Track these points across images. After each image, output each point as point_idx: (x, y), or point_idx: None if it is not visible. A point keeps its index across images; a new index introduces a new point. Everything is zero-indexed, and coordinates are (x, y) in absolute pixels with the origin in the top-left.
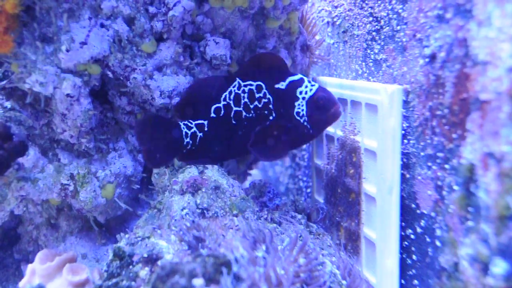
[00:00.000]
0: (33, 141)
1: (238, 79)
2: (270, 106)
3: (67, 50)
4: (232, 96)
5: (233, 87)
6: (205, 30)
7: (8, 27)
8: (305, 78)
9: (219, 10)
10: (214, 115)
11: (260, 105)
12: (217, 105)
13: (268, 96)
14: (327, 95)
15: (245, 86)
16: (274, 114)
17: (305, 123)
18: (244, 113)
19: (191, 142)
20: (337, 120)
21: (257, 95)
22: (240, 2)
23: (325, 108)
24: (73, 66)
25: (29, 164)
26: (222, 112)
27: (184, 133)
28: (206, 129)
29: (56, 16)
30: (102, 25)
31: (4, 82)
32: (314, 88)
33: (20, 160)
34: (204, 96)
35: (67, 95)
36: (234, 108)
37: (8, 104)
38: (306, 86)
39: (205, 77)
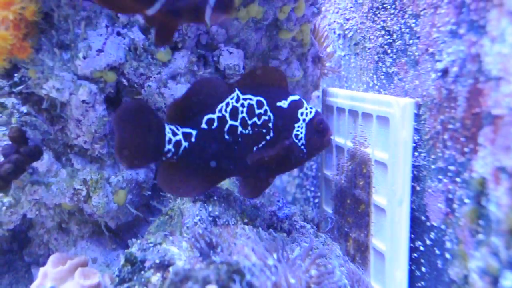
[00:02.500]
0: (47, 146)
1: (237, 90)
2: (270, 124)
3: (84, 57)
4: (229, 109)
5: (231, 98)
6: (219, 40)
7: (27, 33)
8: (303, 100)
9: (233, 20)
10: (205, 126)
11: (259, 123)
12: (211, 115)
13: (269, 113)
14: (325, 119)
15: (244, 99)
16: (272, 134)
17: (302, 147)
18: (240, 129)
19: (173, 150)
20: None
21: (257, 111)
22: (254, 13)
23: (323, 133)
24: (89, 73)
25: (43, 168)
26: (215, 124)
27: (167, 138)
28: (193, 139)
29: (73, 24)
30: (118, 33)
31: (21, 87)
32: (313, 111)
33: (34, 164)
34: (200, 100)
35: (83, 101)
36: (230, 122)
37: (24, 108)
38: (307, 108)
39: (208, 78)
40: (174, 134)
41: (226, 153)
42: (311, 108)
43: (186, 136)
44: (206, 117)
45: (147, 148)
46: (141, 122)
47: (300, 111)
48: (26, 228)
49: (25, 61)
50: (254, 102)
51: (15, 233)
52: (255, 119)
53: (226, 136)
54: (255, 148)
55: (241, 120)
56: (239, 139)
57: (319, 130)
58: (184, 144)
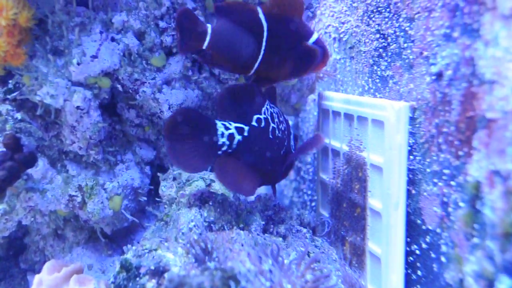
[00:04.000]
0: (42, 152)
1: (267, 100)
2: (286, 132)
3: (78, 63)
4: (269, 112)
5: (267, 104)
6: None
7: (21, 40)
8: None
9: None
10: (255, 124)
11: (283, 129)
12: (258, 115)
13: (284, 123)
14: None
15: (271, 107)
16: (286, 142)
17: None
18: (277, 132)
19: (227, 143)
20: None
21: (280, 118)
22: None
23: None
24: (83, 79)
25: (38, 175)
26: (263, 124)
27: (220, 132)
28: (246, 134)
29: (67, 30)
30: (112, 39)
31: (15, 94)
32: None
33: (29, 171)
34: (250, 100)
35: (77, 107)
36: (272, 124)
37: (18, 115)
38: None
39: (252, 84)
40: (227, 128)
41: (270, 152)
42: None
43: (239, 130)
44: (255, 116)
45: (202, 148)
46: (190, 126)
47: (289, 121)
48: (22, 234)
49: (19, 67)
50: (277, 110)
51: (10, 240)
52: (281, 125)
53: (270, 136)
54: (281, 152)
55: (276, 124)
56: (277, 141)
57: (296, 141)
58: (238, 137)
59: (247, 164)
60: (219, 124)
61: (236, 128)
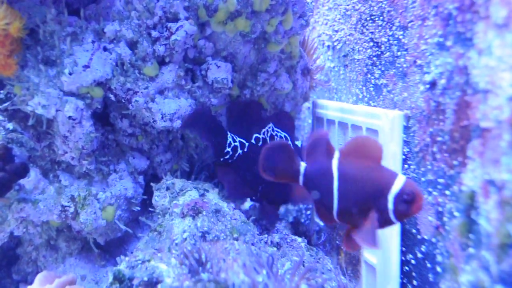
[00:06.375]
0: (34, 163)
1: (272, 123)
2: None
3: (70, 73)
4: (268, 135)
5: (268, 127)
6: (207, 53)
7: (12, 50)
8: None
9: (221, 34)
10: (254, 142)
11: None
12: (257, 135)
13: None
14: None
15: (276, 131)
16: None
17: None
18: None
19: (230, 153)
20: None
21: None
22: (242, 27)
23: None
24: (75, 89)
25: (30, 185)
26: (261, 143)
27: (228, 142)
28: (246, 149)
29: (59, 40)
30: (105, 49)
31: (6, 104)
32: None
33: (21, 181)
34: (253, 118)
35: (69, 117)
36: None
37: (10, 125)
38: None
39: (258, 103)
40: (234, 140)
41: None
42: None
43: (242, 144)
44: (254, 135)
45: (215, 141)
46: (206, 126)
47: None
48: (14, 245)
49: (11, 77)
50: (282, 135)
51: (3, 250)
52: None
53: None
54: None
55: None
56: None
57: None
58: (240, 151)
59: (242, 176)
60: (229, 134)
61: (240, 142)
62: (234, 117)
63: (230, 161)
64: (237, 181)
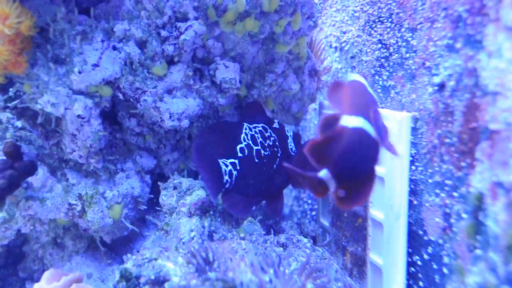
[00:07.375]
0: (42, 161)
1: (245, 123)
2: (277, 143)
3: (79, 72)
4: (249, 137)
5: (245, 129)
6: (215, 54)
7: (23, 48)
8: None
9: (230, 34)
10: (241, 155)
11: (271, 143)
12: (240, 145)
13: (273, 134)
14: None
15: (254, 127)
16: (280, 151)
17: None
18: (262, 152)
19: (229, 180)
20: None
21: (266, 134)
22: (251, 27)
23: (301, 143)
24: (84, 88)
25: (37, 183)
26: (246, 151)
27: (223, 171)
28: (238, 167)
29: (69, 38)
30: (114, 48)
31: (16, 102)
32: (289, 127)
33: (29, 179)
34: (226, 136)
35: (78, 116)
36: (255, 148)
37: (19, 123)
38: (286, 126)
39: (214, 124)
40: (226, 166)
41: (260, 175)
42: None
43: (233, 165)
44: (238, 147)
45: (213, 182)
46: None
47: (286, 128)
48: (20, 243)
49: (20, 75)
50: (261, 128)
51: (9, 248)
52: (268, 141)
53: (256, 160)
54: (274, 166)
55: (260, 144)
56: (265, 161)
57: (299, 142)
58: (234, 172)
59: (245, 195)
60: (220, 163)
61: (231, 163)
62: (210, 143)
63: (230, 187)
64: (243, 204)
